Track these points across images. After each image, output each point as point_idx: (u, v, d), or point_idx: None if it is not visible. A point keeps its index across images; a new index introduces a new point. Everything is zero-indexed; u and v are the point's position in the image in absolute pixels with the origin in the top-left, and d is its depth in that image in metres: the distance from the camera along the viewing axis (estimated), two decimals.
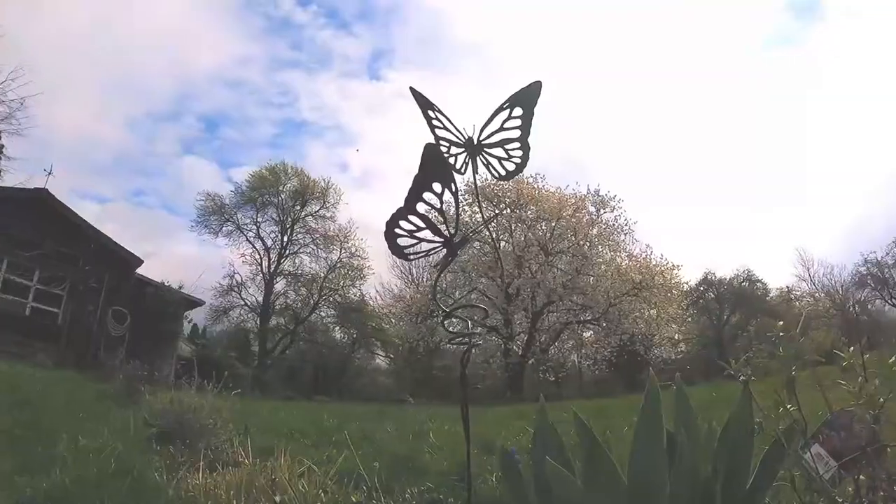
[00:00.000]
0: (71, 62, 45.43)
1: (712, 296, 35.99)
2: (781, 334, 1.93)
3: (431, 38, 60.63)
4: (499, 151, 2.69)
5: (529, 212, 28.85)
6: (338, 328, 34.81)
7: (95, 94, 50.31)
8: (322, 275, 33.56)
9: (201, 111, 60.67)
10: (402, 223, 2.52)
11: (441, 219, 2.53)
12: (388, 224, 2.51)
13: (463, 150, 2.69)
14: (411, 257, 2.64)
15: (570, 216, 28.51)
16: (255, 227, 33.87)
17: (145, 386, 7.83)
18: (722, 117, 60.89)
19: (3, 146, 25.02)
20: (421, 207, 2.49)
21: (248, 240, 33.59)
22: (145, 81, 55.58)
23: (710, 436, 2.25)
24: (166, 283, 19.78)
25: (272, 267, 33.32)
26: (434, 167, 2.44)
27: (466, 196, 28.28)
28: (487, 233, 27.98)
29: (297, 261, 34.22)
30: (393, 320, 32.44)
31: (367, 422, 9.65)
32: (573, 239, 28.17)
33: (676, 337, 30.14)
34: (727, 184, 60.83)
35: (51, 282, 16.97)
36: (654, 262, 28.56)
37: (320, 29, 58.32)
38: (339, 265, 33.90)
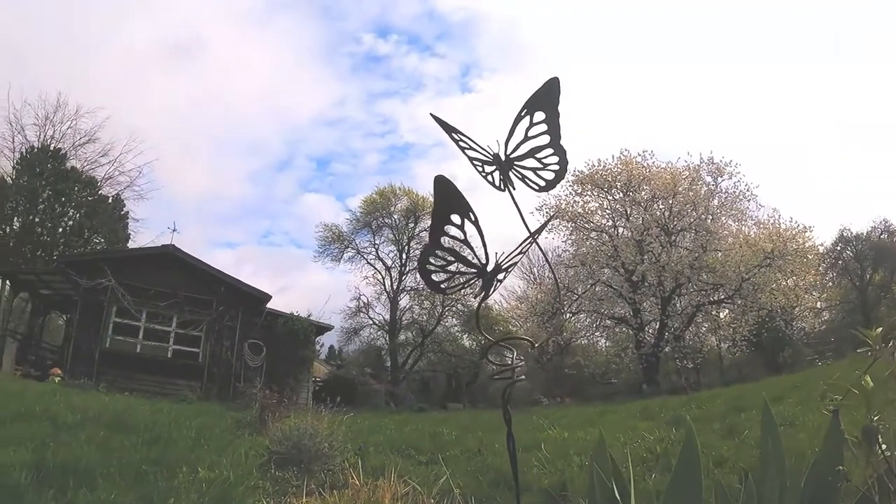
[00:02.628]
0: (186, 132, 51.03)
1: (850, 255, 31.25)
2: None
3: (508, 45, 60.42)
4: (531, 162, 2.48)
5: (643, 192, 27.28)
6: (465, 336, 35.23)
7: (214, 156, 55.70)
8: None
9: (311, 152, 65.35)
10: (432, 259, 2.52)
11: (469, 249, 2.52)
12: (419, 262, 2.54)
13: (495, 167, 2.51)
14: (448, 291, 2.64)
15: (686, 190, 26.63)
16: (373, 249, 35.33)
17: (269, 413, 8.42)
18: (834, 62, 54.65)
19: (128, 211, 28.48)
20: (447, 241, 2.49)
21: (368, 262, 35.09)
22: (255, 137, 61.17)
23: (795, 473, 1.99)
24: (295, 314, 21.26)
25: (395, 285, 34.58)
26: (446, 199, 2.40)
27: (575, 186, 27.82)
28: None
29: (417, 276, 34.93)
30: (519, 322, 32.27)
31: (488, 432, 9.59)
32: (694, 214, 26.24)
33: (819, 305, 27.06)
34: (847, 127, 54.34)
35: (188, 325, 18.96)
36: (783, 227, 25.80)
37: (405, 56, 60.54)
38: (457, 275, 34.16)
